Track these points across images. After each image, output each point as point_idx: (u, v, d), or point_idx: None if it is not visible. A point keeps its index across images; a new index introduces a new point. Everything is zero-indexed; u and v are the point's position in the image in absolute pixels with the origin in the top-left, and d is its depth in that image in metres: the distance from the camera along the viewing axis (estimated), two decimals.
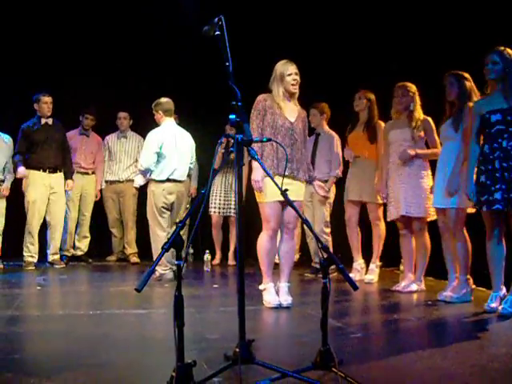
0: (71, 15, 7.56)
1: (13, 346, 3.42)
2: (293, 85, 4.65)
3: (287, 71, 4.63)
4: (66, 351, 3.30)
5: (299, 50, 6.40)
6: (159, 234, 5.87)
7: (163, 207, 5.91)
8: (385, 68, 6.67)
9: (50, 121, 7.03)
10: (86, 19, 7.60)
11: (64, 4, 7.50)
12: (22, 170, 6.81)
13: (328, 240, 6.39)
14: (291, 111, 4.71)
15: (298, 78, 4.66)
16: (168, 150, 5.93)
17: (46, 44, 7.54)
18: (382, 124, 5.97)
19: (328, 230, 6.44)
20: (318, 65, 7.08)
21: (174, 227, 2.46)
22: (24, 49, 7.49)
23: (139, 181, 7.14)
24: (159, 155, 5.89)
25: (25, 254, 6.88)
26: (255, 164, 4.47)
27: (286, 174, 4.47)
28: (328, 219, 6.46)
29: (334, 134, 6.51)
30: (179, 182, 5.99)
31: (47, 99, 6.94)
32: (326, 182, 6.30)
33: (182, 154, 5.99)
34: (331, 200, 6.52)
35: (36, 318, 4.35)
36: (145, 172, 5.99)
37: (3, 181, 6.89)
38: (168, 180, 5.92)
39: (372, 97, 6.12)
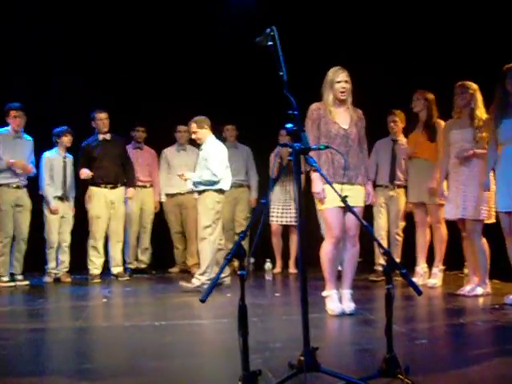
0: (125, 33, 7.74)
1: (83, 356, 3.52)
2: (341, 92, 4.63)
3: (337, 78, 4.62)
4: (132, 361, 3.36)
5: (355, 56, 6.41)
6: (216, 242, 5.99)
7: (217, 217, 6.02)
8: (443, 68, 6.58)
9: (107, 136, 7.19)
10: (139, 35, 7.75)
11: (117, 21, 7.69)
12: (85, 170, 6.98)
13: (399, 242, 6.56)
14: (344, 117, 4.68)
15: (347, 85, 4.64)
16: (227, 161, 6.16)
17: (101, 61, 7.73)
18: (442, 123, 5.87)
19: (401, 233, 6.59)
20: (375, 69, 7.05)
21: (237, 237, 2.49)
22: (81, 66, 7.69)
23: (163, 195, 7.54)
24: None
25: (90, 267, 7.05)
26: (314, 175, 4.48)
27: (345, 181, 4.46)
28: (403, 222, 6.57)
29: None
30: (225, 192, 6.17)
31: (102, 116, 7.11)
32: (404, 187, 6.46)
33: (226, 165, 6.20)
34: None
35: (103, 328, 4.46)
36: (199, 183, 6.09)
37: (67, 197, 7.13)
38: (222, 191, 6.08)
39: (430, 96, 6.03)
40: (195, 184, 6.08)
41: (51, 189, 7.03)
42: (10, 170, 6.62)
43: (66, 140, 7.08)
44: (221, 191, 6.06)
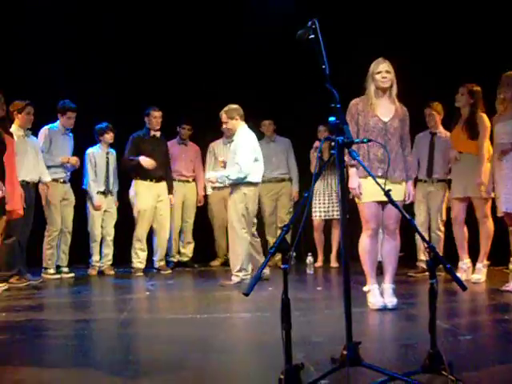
0: (171, 31, 7.83)
1: (128, 348, 3.58)
2: (382, 81, 4.58)
3: (377, 69, 4.58)
4: (176, 353, 3.40)
5: (394, 48, 6.32)
6: (246, 238, 5.95)
7: (252, 210, 6.01)
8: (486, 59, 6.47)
9: (158, 134, 7.32)
10: (183, 33, 7.84)
11: (162, 18, 7.78)
12: (143, 157, 7.07)
13: (441, 238, 6.43)
14: (386, 110, 4.63)
15: (388, 75, 4.58)
16: (257, 152, 6.05)
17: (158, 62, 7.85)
18: (485, 117, 5.75)
19: (443, 228, 6.47)
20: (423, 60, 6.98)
21: (279, 231, 2.49)
22: (137, 65, 7.85)
23: (210, 189, 7.54)
24: (254, 159, 6.01)
25: (134, 260, 7.16)
26: (350, 171, 4.47)
27: (379, 174, 4.43)
28: (444, 217, 6.46)
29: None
30: (258, 184, 6.09)
31: (157, 114, 7.23)
32: (444, 181, 6.38)
33: (259, 156, 6.10)
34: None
35: (146, 321, 4.53)
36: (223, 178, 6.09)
37: (110, 192, 7.25)
38: (258, 182, 6.06)
39: (476, 89, 5.89)
40: (224, 181, 6.10)
41: (95, 184, 7.16)
42: (58, 165, 6.78)
43: (108, 137, 7.22)
44: (250, 184, 5.97)
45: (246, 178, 5.94)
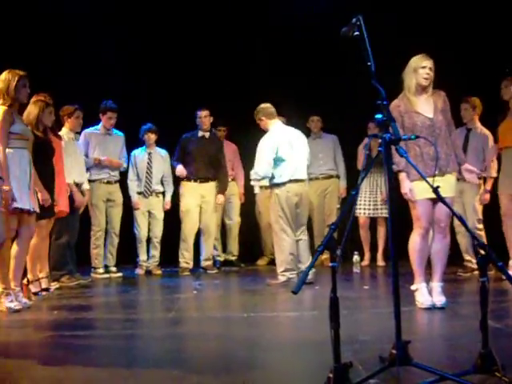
0: (207, 33, 7.88)
1: (177, 346, 3.62)
2: (425, 78, 4.50)
3: (422, 64, 4.50)
4: (223, 352, 3.42)
5: (441, 45, 6.26)
6: (285, 239, 5.90)
7: (290, 210, 5.91)
8: None
9: (207, 134, 7.33)
10: (221, 34, 7.88)
11: (198, 22, 7.85)
12: (179, 168, 7.14)
13: (481, 236, 6.16)
14: (427, 105, 4.55)
15: (431, 73, 4.51)
16: (285, 151, 5.93)
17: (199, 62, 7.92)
18: None
19: (481, 226, 6.26)
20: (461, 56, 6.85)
21: (327, 229, 2.47)
22: (182, 66, 7.92)
23: (256, 189, 7.52)
24: (277, 159, 5.91)
25: (180, 260, 7.21)
26: (401, 176, 4.42)
27: (435, 172, 4.34)
28: (480, 215, 6.25)
29: (487, 131, 6.27)
30: (301, 181, 5.97)
31: (202, 113, 7.25)
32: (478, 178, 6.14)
33: (299, 152, 5.99)
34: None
35: (194, 320, 4.57)
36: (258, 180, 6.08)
37: (162, 193, 7.33)
38: (290, 181, 5.93)
39: None
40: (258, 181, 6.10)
41: (134, 184, 7.25)
42: (100, 166, 6.89)
43: (149, 137, 7.28)
44: (279, 184, 5.93)
45: (272, 179, 5.96)
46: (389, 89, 2.82)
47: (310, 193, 7.58)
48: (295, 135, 6.10)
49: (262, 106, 6.11)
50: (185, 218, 7.22)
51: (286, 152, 5.93)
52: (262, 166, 5.95)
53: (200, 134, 7.33)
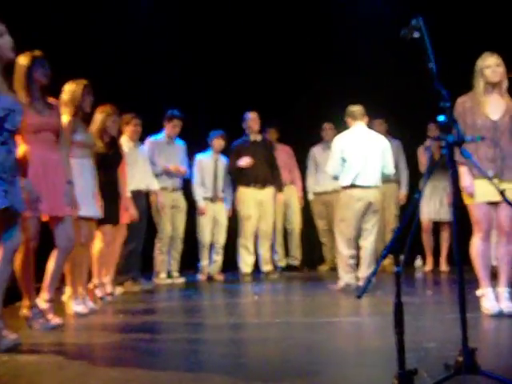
0: (261, 36, 7.93)
1: (238, 351, 3.63)
2: (492, 76, 4.39)
3: (486, 62, 4.39)
4: (284, 357, 3.40)
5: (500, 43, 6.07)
6: (343, 243, 5.87)
7: (351, 215, 5.85)
8: None
9: (258, 137, 7.35)
10: (274, 37, 7.93)
11: (253, 24, 7.90)
12: (243, 158, 7.16)
13: None
14: (496, 107, 4.42)
15: (498, 69, 4.38)
16: (350, 153, 5.87)
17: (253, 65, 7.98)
18: None
19: None
20: None
21: (391, 234, 2.45)
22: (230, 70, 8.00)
23: (310, 194, 7.55)
24: (343, 161, 5.88)
25: (241, 266, 7.26)
26: (461, 169, 4.29)
27: (491, 175, 4.24)
28: None
29: None
30: (367, 187, 5.86)
31: (252, 115, 7.28)
32: None
33: (367, 157, 5.87)
34: None
35: (255, 325, 4.57)
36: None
37: (219, 198, 7.42)
38: (353, 186, 5.86)
39: None
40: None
41: (201, 189, 7.33)
42: (166, 174, 7.00)
43: (217, 143, 7.33)
44: (343, 188, 5.91)
45: (339, 180, 5.95)
46: (452, 90, 2.77)
47: None
48: (369, 138, 5.99)
49: (350, 107, 6.08)
50: (244, 223, 7.27)
51: (352, 156, 5.87)
52: (329, 164, 6.02)
53: (252, 138, 7.31)
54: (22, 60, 4.15)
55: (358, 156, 5.86)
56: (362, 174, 5.85)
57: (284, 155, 7.86)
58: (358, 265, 5.98)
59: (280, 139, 7.99)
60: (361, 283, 5.68)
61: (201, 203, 7.31)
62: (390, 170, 6.04)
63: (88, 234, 5.05)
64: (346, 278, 5.86)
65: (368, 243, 5.94)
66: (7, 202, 3.46)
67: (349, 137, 5.97)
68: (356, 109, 6.02)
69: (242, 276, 7.19)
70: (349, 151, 5.88)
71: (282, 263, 7.83)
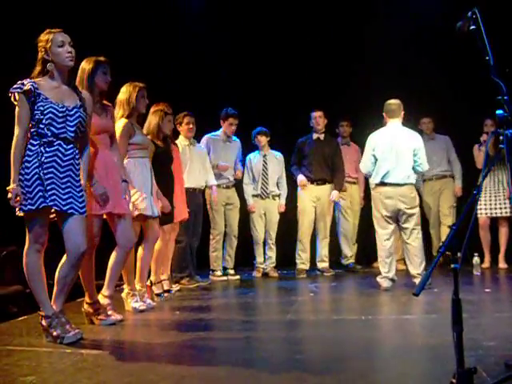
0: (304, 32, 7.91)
1: (295, 348, 3.65)
2: None
3: None
4: (341, 355, 3.40)
5: None
6: (380, 243, 5.80)
7: (383, 213, 5.75)
8: None
9: (321, 136, 7.37)
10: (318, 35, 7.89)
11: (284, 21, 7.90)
12: (300, 177, 7.27)
13: None
14: None
15: None
16: (381, 151, 5.78)
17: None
18: None
19: None
20: None
21: (448, 230, 2.41)
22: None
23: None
24: (376, 158, 5.81)
25: (297, 261, 7.29)
26: None
27: None
28: None
29: None
30: (397, 185, 5.71)
31: (315, 114, 7.31)
32: None
33: (398, 155, 5.72)
34: None
35: (312, 322, 4.57)
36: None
37: (278, 195, 7.45)
38: (383, 184, 5.76)
39: None
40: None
41: (250, 187, 7.38)
42: (221, 171, 7.09)
43: (260, 140, 7.39)
44: (375, 185, 5.86)
45: (371, 179, 5.94)
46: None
47: (424, 194, 7.45)
48: (401, 136, 5.84)
49: (387, 102, 5.98)
50: (301, 218, 7.30)
51: (383, 152, 5.78)
52: (362, 161, 6.01)
53: (315, 136, 7.36)
54: (86, 64, 4.29)
55: (388, 154, 5.76)
56: (392, 172, 5.73)
57: (355, 153, 7.77)
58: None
59: (351, 136, 7.92)
60: (416, 281, 5.60)
61: (249, 201, 7.38)
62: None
63: (151, 232, 5.15)
64: (381, 274, 5.83)
65: (415, 242, 5.76)
66: (46, 202, 3.60)
67: (380, 134, 5.89)
68: (393, 104, 5.91)
69: (297, 272, 7.20)
70: (380, 148, 5.80)
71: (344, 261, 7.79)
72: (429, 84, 7.48)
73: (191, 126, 6.64)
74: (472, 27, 2.73)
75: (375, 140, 5.88)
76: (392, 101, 5.94)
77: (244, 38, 8.01)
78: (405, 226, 5.77)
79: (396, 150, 5.75)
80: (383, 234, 5.81)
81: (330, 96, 7.71)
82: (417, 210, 5.80)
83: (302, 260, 7.27)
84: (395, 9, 7.68)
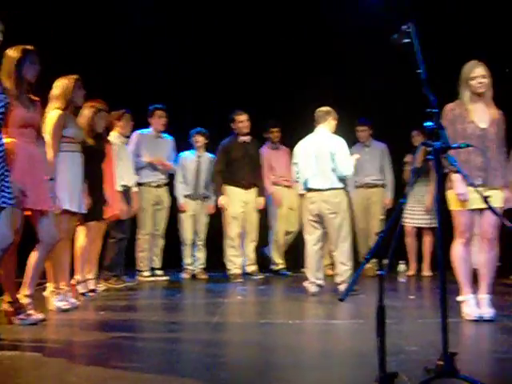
0: (256, 35, 7.93)
1: (219, 351, 3.63)
2: (478, 87, 4.41)
3: (472, 74, 4.41)
4: (266, 359, 3.41)
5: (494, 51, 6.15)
6: (308, 249, 5.85)
7: (309, 217, 5.81)
8: None
9: (247, 139, 7.27)
10: (269, 36, 7.93)
11: (249, 22, 7.90)
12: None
13: None
14: (482, 115, 4.45)
15: (484, 80, 4.40)
16: (303, 159, 5.88)
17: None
18: None
19: None
20: None
21: (374, 237, 2.46)
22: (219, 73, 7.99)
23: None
24: (299, 166, 5.92)
25: (230, 267, 7.12)
26: (455, 176, 4.32)
27: (479, 183, 4.27)
28: None
29: None
30: (320, 190, 5.76)
31: (241, 117, 7.18)
32: None
33: (319, 161, 5.79)
34: None
35: (238, 325, 4.57)
36: None
37: (208, 197, 7.42)
38: (308, 189, 5.83)
39: None
40: None
41: (181, 186, 7.33)
42: (151, 168, 6.98)
43: (198, 140, 7.34)
44: (307, 190, 5.86)
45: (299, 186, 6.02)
46: (441, 96, 2.79)
47: (354, 201, 7.50)
48: (323, 143, 5.85)
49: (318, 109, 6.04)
50: (230, 223, 7.21)
51: (304, 161, 5.87)
52: (292, 170, 6.12)
53: (240, 139, 7.22)
54: (13, 52, 4.10)
55: (310, 161, 5.84)
56: (314, 178, 5.80)
57: (287, 157, 7.75)
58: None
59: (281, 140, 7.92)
60: (341, 287, 5.68)
61: (180, 200, 7.32)
62: (342, 172, 5.82)
63: (70, 229, 5.02)
64: (308, 279, 5.88)
65: (339, 247, 5.79)
66: None
67: (303, 142, 6.00)
68: (318, 111, 5.98)
69: (232, 277, 7.05)
70: (302, 157, 5.92)
71: (276, 266, 7.76)
72: (363, 91, 7.61)
73: (130, 123, 6.56)
74: (406, 40, 2.78)
75: (298, 148, 5.99)
76: (321, 108, 6.01)
77: (182, 38, 7.93)
78: (329, 230, 5.81)
79: (316, 156, 5.82)
80: (310, 239, 5.86)
81: (258, 100, 7.72)
82: (342, 216, 5.81)
83: (236, 265, 7.12)
84: (334, 16, 7.76)
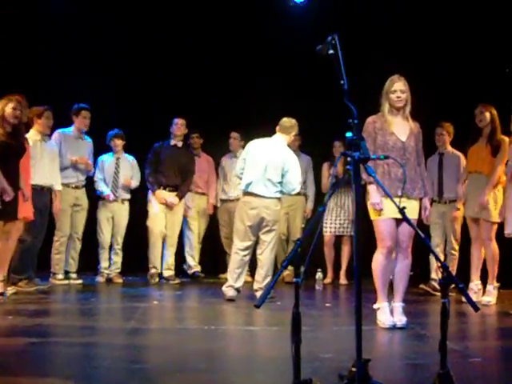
0: (183, 41, 7.89)
1: (134, 356, 3.55)
2: (397, 101, 4.56)
3: (392, 88, 4.56)
4: (181, 365, 3.38)
5: (420, 66, 6.36)
6: (235, 254, 5.84)
7: (247, 224, 5.77)
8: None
9: (179, 143, 7.31)
10: (197, 43, 7.90)
11: (182, 28, 7.85)
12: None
13: (455, 257, 6.45)
14: (402, 128, 4.61)
15: (402, 95, 4.55)
16: (252, 159, 5.83)
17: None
18: (506, 139, 5.71)
19: (457, 248, 6.49)
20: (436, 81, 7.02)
21: (293, 244, 2.48)
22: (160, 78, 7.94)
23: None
24: (245, 164, 5.89)
25: (150, 266, 7.16)
26: (370, 187, 4.44)
27: (400, 194, 4.39)
28: (458, 237, 6.47)
29: (459, 153, 6.47)
30: (262, 196, 5.74)
31: (176, 121, 7.26)
32: (455, 201, 6.33)
33: (267, 169, 5.74)
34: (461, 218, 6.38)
35: (154, 330, 4.51)
36: None
37: (127, 199, 7.34)
38: (248, 193, 5.80)
39: (494, 111, 5.86)
40: None
41: (101, 182, 7.23)
42: (71, 169, 6.80)
43: (116, 143, 7.27)
44: (247, 194, 5.82)
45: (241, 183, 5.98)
46: (362, 108, 2.84)
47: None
48: (277, 154, 5.83)
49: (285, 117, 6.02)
50: (151, 225, 7.17)
51: (252, 162, 5.82)
52: (236, 165, 6.12)
53: (172, 142, 7.30)
54: None
55: (258, 164, 5.79)
56: (256, 183, 5.77)
57: (206, 164, 7.79)
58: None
59: (203, 148, 7.91)
60: (258, 294, 5.70)
61: (104, 188, 7.21)
62: (293, 188, 5.89)
63: None
64: (228, 284, 5.85)
65: (264, 255, 5.83)
66: None
67: (258, 143, 5.93)
68: (285, 121, 5.97)
69: (150, 277, 7.08)
70: (251, 157, 5.86)
71: (191, 269, 7.72)
72: (289, 99, 7.67)
73: (50, 121, 6.38)
74: (330, 51, 2.82)
75: (251, 146, 5.93)
76: (290, 119, 5.99)
77: (117, 38, 7.78)
78: (264, 238, 5.81)
79: (267, 165, 5.76)
80: (241, 245, 5.82)
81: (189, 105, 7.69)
82: (278, 226, 5.91)
83: (155, 266, 7.16)
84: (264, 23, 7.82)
